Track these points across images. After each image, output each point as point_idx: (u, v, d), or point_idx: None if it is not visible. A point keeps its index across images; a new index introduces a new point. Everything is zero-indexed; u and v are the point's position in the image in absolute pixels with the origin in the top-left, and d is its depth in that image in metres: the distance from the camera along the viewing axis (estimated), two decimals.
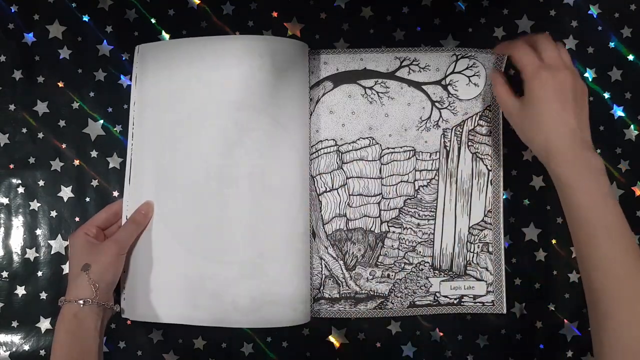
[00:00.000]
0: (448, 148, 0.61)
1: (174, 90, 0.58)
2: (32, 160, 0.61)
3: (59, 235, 0.61)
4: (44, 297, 0.60)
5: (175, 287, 0.57)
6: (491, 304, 0.61)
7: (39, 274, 0.60)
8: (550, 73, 0.51)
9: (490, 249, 0.61)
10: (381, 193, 0.61)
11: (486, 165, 0.61)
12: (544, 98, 0.51)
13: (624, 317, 0.45)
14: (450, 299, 0.61)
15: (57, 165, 0.61)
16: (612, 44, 0.63)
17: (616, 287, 0.46)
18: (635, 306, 0.45)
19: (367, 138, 0.61)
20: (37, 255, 0.60)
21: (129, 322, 0.60)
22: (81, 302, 0.50)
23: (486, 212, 0.61)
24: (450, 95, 0.62)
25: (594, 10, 0.64)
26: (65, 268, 0.60)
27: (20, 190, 0.61)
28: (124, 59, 0.62)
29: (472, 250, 0.61)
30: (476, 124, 0.62)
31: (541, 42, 0.53)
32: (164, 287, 0.57)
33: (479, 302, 0.61)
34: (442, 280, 0.61)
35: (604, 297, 0.46)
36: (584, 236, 0.48)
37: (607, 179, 0.50)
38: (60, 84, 0.61)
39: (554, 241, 0.62)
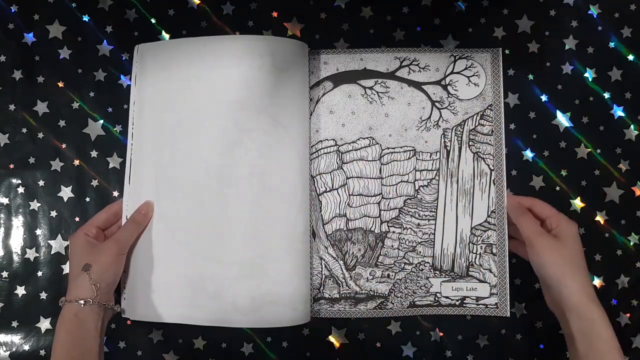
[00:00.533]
0: (448, 148, 0.61)
1: (173, 90, 0.58)
2: (32, 160, 0.61)
3: (59, 235, 0.61)
4: (44, 297, 0.60)
5: (175, 287, 0.57)
6: (495, 306, 0.61)
7: (39, 274, 0.60)
8: (557, 241, 0.54)
9: (494, 250, 0.61)
10: (381, 193, 0.61)
11: (488, 165, 0.61)
12: (557, 262, 0.53)
13: None
14: (452, 300, 0.60)
15: (57, 165, 0.61)
16: (612, 44, 0.63)
17: None
18: None
19: (367, 138, 0.61)
20: (37, 255, 0.60)
21: (129, 322, 0.60)
22: (82, 302, 0.50)
23: (489, 212, 0.61)
24: (450, 95, 0.62)
25: (594, 10, 0.64)
26: (65, 268, 0.60)
27: (20, 190, 0.61)
28: (124, 59, 0.62)
29: (474, 251, 0.61)
30: (477, 123, 0.62)
31: (546, 212, 0.56)
32: (164, 287, 0.57)
33: (482, 304, 0.60)
34: (443, 281, 0.61)
35: None
36: None
37: (611, 331, 0.52)
38: (60, 84, 0.61)
39: None
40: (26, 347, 0.59)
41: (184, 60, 0.58)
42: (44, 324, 0.60)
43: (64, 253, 0.60)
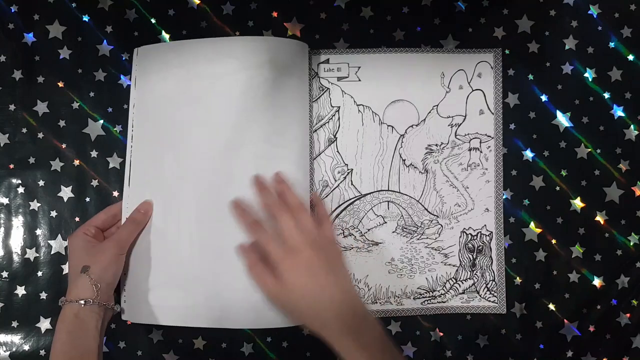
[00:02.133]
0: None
1: (173, 92, 0.58)
2: (32, 160, 0.61)
3: (59, 235, 0.60)
4: (44, 297, 0.60)
5: (175, 287, 0.57)
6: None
7: (39, 274, 0.60)
8: (293, 258, 0.50)
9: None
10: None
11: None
12: (297, 283, 0.49)
13: None
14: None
15: (57, 165, 0.61)
16: (612, 44, 0.63)
17: None
18: None
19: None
20: (37, 255, 0.60)
21: (129, 322, 0.60)
22: (82, 302, 0.50)
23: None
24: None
25: (594, 10, 0.64)
26: (65, 268, 0.60)
27: (20, 190, 0.61)
28: (124, 59, 0.62)
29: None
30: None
31: (278, 218, 0.52)
32: (163, 288, 0.57)
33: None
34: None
35: None
36: None
37: (386, 339, 0.49)
38: (60, 84, 0.61)
39: (554, 241, 0.62)
40: (26, 347, 0.59)
41: (184, 62, 0.58)
42: (44, 324, 0.60)
43: (64, 253, 0.60)
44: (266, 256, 0.52)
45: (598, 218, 0.62)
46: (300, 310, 0.50)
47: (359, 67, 0.62)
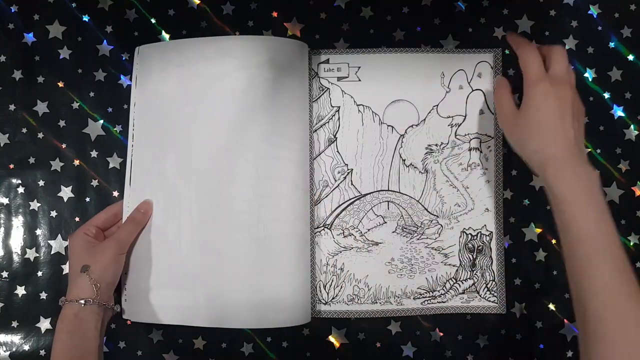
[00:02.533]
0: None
1: (174, 91, 0.58)
2: (32, 160, 0.61)
3: (59, 235, 0.61)
4: (44, 297, 0.60)
5: (175, 287, 0.57)
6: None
7: (39, 274, 0.60)
8: (553, 85, 0.50)
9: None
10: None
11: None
12: (544, 107, 0.50)
13: (617, 343, 0.43)
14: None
15: (57, 165, 0.61)
16: (612, 44, 0.63)
17: (611, 314, 0.44)
18: (630, 334, 0.43)
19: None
20: (37, 255, 0.60)
21: (129, 322, 0.60)
22: (82, 302, 0.50)
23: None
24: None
25: (594, 10, 0.64)
26: (65, 268, 0.60)
27: (20, 190, 0.61)
28: (124, 59, 0.62)
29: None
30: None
31: (555, 54, 0.52)
32: (164, 288, 0.57)
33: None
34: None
35: (598, 323, 0.44)
36: (578, 259, 0.46)
37: (603, 196, 0.48)
38: (60, 84, 0.61)
39: (554, 241, 0.62)
40: (26, 347, 0.59)
41: (185, 61, 0.58)
42: (44, 324, 0.60)
43: (64, 253, 0.60)
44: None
45: None
46: (527, 133, 0.51)
47: (359, 67, 0.62)
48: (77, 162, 0.61)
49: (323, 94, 0.62)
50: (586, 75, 0.63)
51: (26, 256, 0.60)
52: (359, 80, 0.62)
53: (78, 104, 0.61)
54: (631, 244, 0.62)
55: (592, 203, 0.47)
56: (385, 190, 0.61)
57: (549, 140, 0.50)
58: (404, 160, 0.61)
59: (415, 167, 0.62)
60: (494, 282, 0.61)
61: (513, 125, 0.53)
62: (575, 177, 0.48)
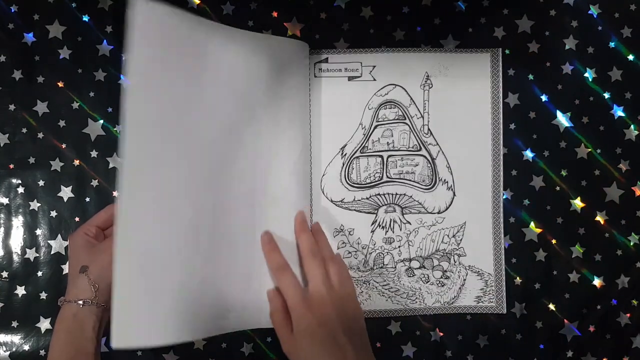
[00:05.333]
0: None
1: (173, 90, 0.58)
2: (32, 160, 0.61)
3: (59, 235, 0.61)
4: (44, 297, 0.60)
5: (175, 285, 0.56)
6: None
7: (39, 274, 0.60)
8: (311, 310, 0.49)
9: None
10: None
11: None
12: (313, 340, 0.49)
13: None
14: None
15: (57, 165, 0.61)
16: (612, 44, 0.63)
17: None
18: None
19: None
20: (37, 255, 0.60)
21: None
22: (81, 302, 0.50)
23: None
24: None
25: (594, 10, 0.64)
26: (65, 268, 0.60)
27: (20, 190, 0.61)
28: (124, 59, 0.62)
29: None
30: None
31: (306, 265, 0.52)
32: (164, 287, 0.56)
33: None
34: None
35: None
36: None
37: None
38: (60, 84, 0.61)
39: (554, 241, 0.62)
40: (26, 347, 0.59)
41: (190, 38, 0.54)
42: (44, 324, 0.60)
43: (64, 253, 0.60)
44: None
45: (598, 218, 0.63)
46: None
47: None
48: (77, 162, 0.61)
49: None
50: (586, 75, 0.63)
51: (26, 256, 0.60)
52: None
53: (78, 104, 0.61)
54: (631, 244, 0.62)
55: None
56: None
57: None
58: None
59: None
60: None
61: (294, 349, 0.50)
62: None
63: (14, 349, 0.59)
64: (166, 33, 0.49)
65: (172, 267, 0.54)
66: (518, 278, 0.62)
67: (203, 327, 0.52)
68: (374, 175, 0.61)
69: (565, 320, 0.61)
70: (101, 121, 0.61)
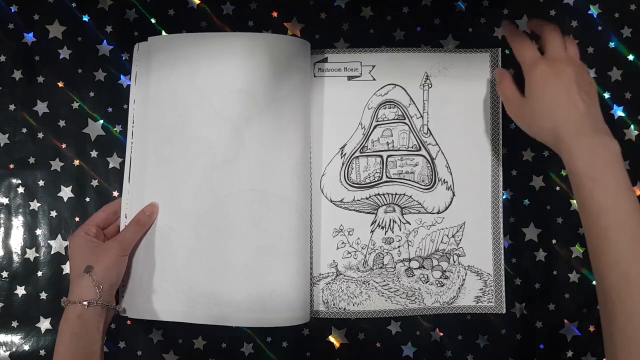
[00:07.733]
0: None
1: (174, 89, 0.58)
2: (32, 160, 0.61)
3: (59, 235, 0.61)
4: (44, 297, 0.60)
5: (175, 285, 0.56)
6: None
7: (39, 274, 0.60)
8: (550, 65, 0.51)
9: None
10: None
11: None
12: (546, 88, 0.51)
13: (637, 314, 0.43)
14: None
15: (57, 165, 0.61)
16: (612, 44, 0.63)
17: (630, 286, 0.44)
18: None
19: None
20: (37, 255, 0.60)
21: (129, 322, 0.60)
22: (85, 303, 0.50)
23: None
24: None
25: (594, 10, 0.64)
26: (66, 268, 0.60)
27: (20, 190, 0.61)
28: (123, 59, 0.62)
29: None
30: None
31: (547, 34, 0.53)
32: (163, 286, 0.56)
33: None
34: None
35: (617, 295, 0.44)
36: (596, 235, 0.46)
37: (622, 167, 0.47)
38: (60, 84, 0.61)
39: (554, 241, 0.62)
40: (26, 347, 0.59)
41: (186, 56, 0.57)
42: (44, 324, 0.60)
43: (64, 253, 0.60)
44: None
45: None
46: (536, 117, 0.51)
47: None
48: (77, 162, 0.61)
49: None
50: None
51: (26, 256, 0.60)
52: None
53: (78, 104, 0.61)
54: None
55: (609, 175, 0.47)
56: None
57: (558, 118, 0.50)
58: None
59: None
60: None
61: (522, 113, 0.54)
62: (590, 151, 0.48)
63: (14, 349, 0.59)
64: (165, 59, 0.58)
65: (176, 257, 0.57)
66: (518, 278, 0.62)
67: (204, 314, 0.56)
68: (373, 175, 0.61)
69: (565, 320, 0.61)
70: (101, 121, 0.61)
